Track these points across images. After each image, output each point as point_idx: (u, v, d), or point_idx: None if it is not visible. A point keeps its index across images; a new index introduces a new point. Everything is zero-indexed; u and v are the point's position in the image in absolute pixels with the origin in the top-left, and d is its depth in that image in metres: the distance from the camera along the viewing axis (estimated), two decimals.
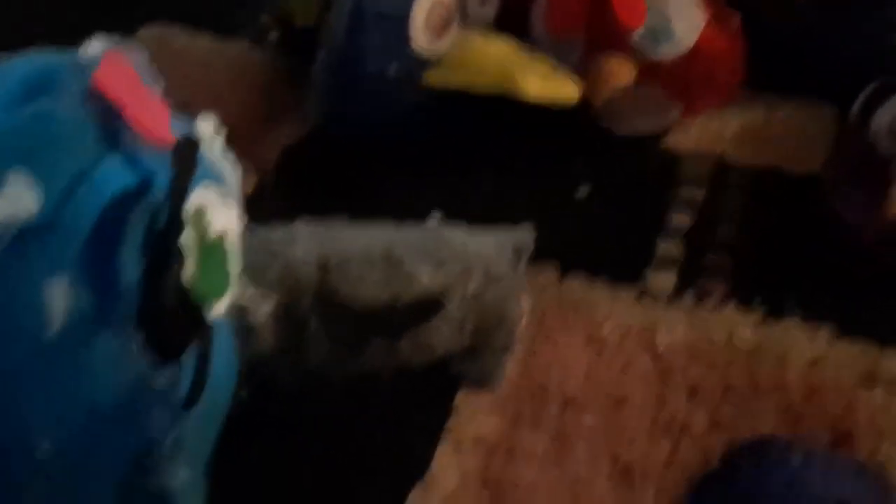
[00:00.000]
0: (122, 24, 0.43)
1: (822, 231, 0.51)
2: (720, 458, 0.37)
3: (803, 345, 0.46)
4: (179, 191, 0.32)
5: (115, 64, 0.32)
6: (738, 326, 0.47)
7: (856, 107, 0.48)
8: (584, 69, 0.56)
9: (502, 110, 0.55)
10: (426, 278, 0.40)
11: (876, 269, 0.47)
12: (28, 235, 0.28)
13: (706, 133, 0.60)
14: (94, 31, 0.34)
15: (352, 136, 0.55)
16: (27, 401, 0.29)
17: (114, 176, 0.30)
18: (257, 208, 0.45)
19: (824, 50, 0.57)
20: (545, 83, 0.53)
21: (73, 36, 0.34)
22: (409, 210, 0.46)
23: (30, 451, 0.29)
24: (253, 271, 0.38)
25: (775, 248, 0.52)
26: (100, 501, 0.32)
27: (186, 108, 0.36)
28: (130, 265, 0.30)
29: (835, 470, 0.34)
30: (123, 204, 0.30)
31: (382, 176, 0.54)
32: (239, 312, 0.37)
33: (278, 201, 0.48)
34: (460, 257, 0.41)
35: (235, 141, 0.37)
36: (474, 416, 0.44)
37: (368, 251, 0.40)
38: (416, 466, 0.41)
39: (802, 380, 0.44)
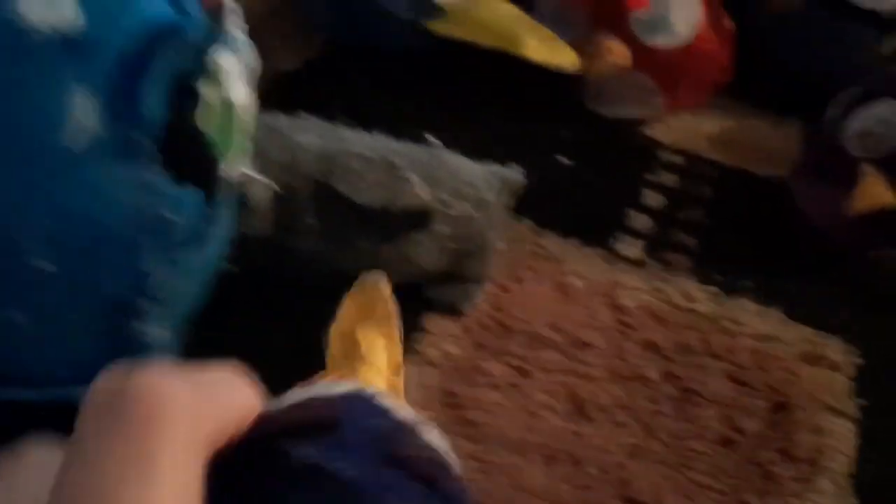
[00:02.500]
0: None
1: (783, 225, 0.54)
2: None
3: (755, 321, 0.49)
4: (210, 42, 0.33)
5: None
6: (697, 297, 0.50)
7: (829, 111, 0.52)
8: (582, 45, 0.58)
9: (500, 70, 0.57)
10: (419, 190, 0.41)
11: (834, 261, 0.51)
12: (64, 44, 0.29)
13: (683, 130, 0.63)
14: None
15: (350, 69, 0.56)
16: (32, 207, 0.29)
17: (155, 6, 0.31)
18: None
19: (802, 67, 0.61)
20: (546, 46, 0.55)
21: None
22: (400, 134, 0.47)
23: (27, 257, 0.30)
24: (258, 151, 0.39)
25: (738, 234, 0.55)
26: (82, 334, 0.33)
27: None
28: (154, 98, 0.31)
29: None
30: (156, 34, 0.31)
31: (380, 102, 0.56)
32: (241, 188, 0.38)
33: (275, 109, 0.49)
34: (454, 178, 0.43)
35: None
36: (441, 339, 0.45)
37: (370, 153, 0.41)
38: None
39: (751, 349, 0.47)
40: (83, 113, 0.29)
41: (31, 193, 0.30)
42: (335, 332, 0.37)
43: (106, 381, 0.20)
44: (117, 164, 0.30)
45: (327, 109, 0.51)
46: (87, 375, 0.34)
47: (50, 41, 0.28)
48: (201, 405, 0.20)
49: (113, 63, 0.29)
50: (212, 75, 0.33)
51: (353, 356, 0.36)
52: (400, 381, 0.37)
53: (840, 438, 0.43)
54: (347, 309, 0.38)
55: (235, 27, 0.36)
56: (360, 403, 0.27)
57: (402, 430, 0.25)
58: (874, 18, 0.59)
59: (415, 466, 0.24)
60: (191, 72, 0.32)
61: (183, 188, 0.31)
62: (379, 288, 0.38)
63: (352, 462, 0.23)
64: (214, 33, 0.33)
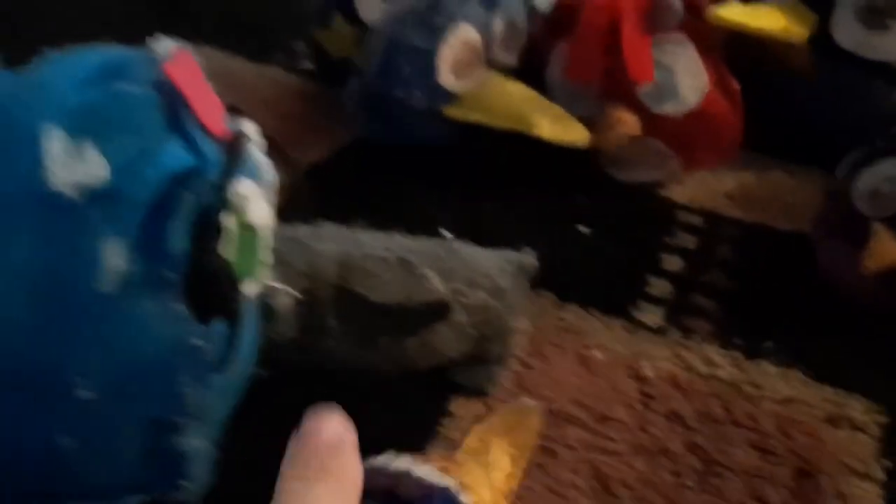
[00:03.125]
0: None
1: (804, 283, 0.55)
2: None
3: (777, 384, 0.49)
4: (228, 177, 0.35)
5: (183, 59, 0.36)
6: (719, 362, 0.51)
7: (840, 170, 0.53)
8: (593, 118, 0.60)
9: (517, 147, 0.60)
10: (437, 284, 0.43)
11: (856, 319, 0.51)
12: (96, 199, 0.32)
13: (702, 188, 0.65)
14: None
15: (378, 158, 0.59)
16: (73, 346, 0.32)
17: (175, 156, 0.34)
18: (286, 213, 0.49)
19: (816, 119, 0.62)
20: (557, 124, 0.57)
21: None
22: (421, 227, 0.49)
23: (72, 389, 0.32)
24: (280, 261, 0.42)
25: (759, 295, 0.56)
26: (127, 451, 0.35)
27: (230, 111, 0.40)
28: (179, 236, 0.34)
29: None
30: (180, 181, 0.34)
31: (402, 195, 0.58)
32: (265, 298, 0.41)
33: (305, 211, 0.52)
34: (469, 268, 0.45)
35: (270, 153, 0.41)
36: (467, 422, 0.47)
37: (386, 254, 0.43)
38: None
39: (774, 415, 0.48)
40: (115, 258, 0.32)
41: (72, 333, 0.33)
42: (476, 430, 0.40)
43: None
44: (148, 299, 0.33)
45: (352, 199, 0.54)
46: (132, 486, 0.37)
47: (81, 197, 0.32)
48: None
49: (140, 212, 0.32)
50: (232, 205, 0.36)
51: (478, 459, 0.39)
52: (503, 502, 0.39)
53: (866, 503, 0.43)
54: (496, 418, 0.41)
55: (252, 149, 0.39)
56: (445, 497, 0.32)
57: None
58: (886, 71, 0.60)
59: None
60: (212, 205, 0.35)
61: (209, 319, 0.34)
62: (531, 418, 0.41)
63: None
64: (232, 167, 0.36)
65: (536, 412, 0.41)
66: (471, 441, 0.39)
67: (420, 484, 0.34)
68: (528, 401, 0.42)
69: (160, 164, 0.33)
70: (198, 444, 0.37)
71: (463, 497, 0.34)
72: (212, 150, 0.36)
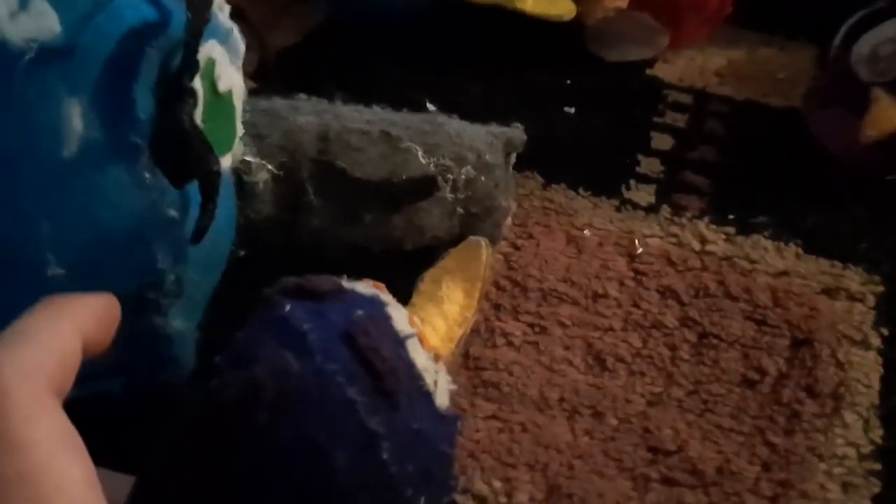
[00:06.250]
0: None
1: (796, 157, 0.53)
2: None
3: (772, 257, 0.48)
4: (195, 34, 0.32)
5: None
6: (711, 237, 0.49)
7: (838, 37, 0.51)
8: None
9: (499, 25, 0.57)
10: (422, 159, 0.41)
11: (851, 189, 0.50)
12: (49, 55, 0.29)
13: (691, 66, 0.62)
14: None
15: (354, 33, 0.56)
16: (39, 216, 0.30)
17: (133, 7, 0.31)
18: (258, 86, 0.46)
19: None
20: None
21: None
22: (404, 102, 0.47)
23: (40, 267, 0.30)
24: (255, 135, 0.39)
25: (751, 170, 0.54)
26: None
27: None
28: (144, 99, 0.31)
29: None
30: (141, 36, 0.31)
31: (380, 71, 0.56)
32: (240, 173, 0.38)
33: (277, 85, 0.49)
34: (455, 143, 0.42)
35: (236, 19, 0.38)
36: None
37: (368, 127, 0.41)
38: None
39: (769, 287, 0.47)
40: (75, 120, 0.29)
41: (35, 204, 0.30)
42: (428, 275, 0.39)
43: None
44: (116, 166, 0.31)
45: (327, 83, 0.51)
46: (114, 368, 0.36)
47: (36, 55, 0.29)
48: (22, 364, 0.23)
49: (99, 68, 0.30)
50: (200, 67, 0.33)
51: (432, 296, 0.39)
52: (459, 332, 0.39)
53: (863, 370, 0.43)
54: (446, 260, 0.40)
55: (221, 12, 0.36)
56: (367, 301, 0.31)
57: (381, 330, 0.29)
58: None
59: (371, 357, 0.27)
60: (179, 67, 0.32)
61: (183, 184, 0.31)
62: (479, 251, 0.40)
63: (317, 325, 0.29)
64: (197, 25, 0.33)
65: (484, 245, 0.40)
66: (424, 285, 0.39)
67: (334, 281, 0.32)
68: (474, 237, 0.41)
69: (118, 16, 0.30)
70: (179, 325, 0.36)
71: (391, 309, 0.32)
72: (175, 5, 0.32)
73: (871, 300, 0.46)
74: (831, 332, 0.45)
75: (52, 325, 0.25)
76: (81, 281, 0.32)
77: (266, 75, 0.54)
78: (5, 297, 0.32)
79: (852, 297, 0.47)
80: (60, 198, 0.30)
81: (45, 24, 0.29)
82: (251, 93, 0.39)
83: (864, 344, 0.44)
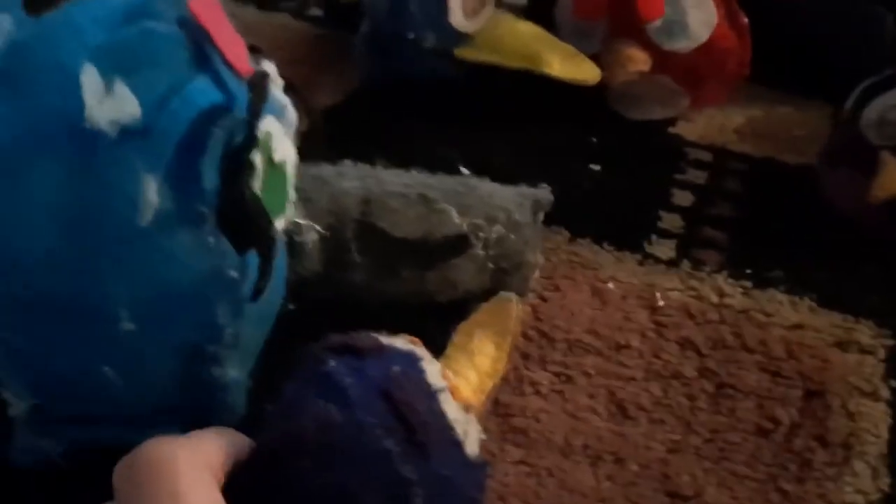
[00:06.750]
0: None
1: (811, 213, 0.56)
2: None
3: (786, 311, 0.51)
4: (255, 113, 0.36)
5: None
6: (729, 291, 0.52)
7: (849, 102, 0.54)
8: (602, 55, 0.61)
9: (527, 86, 0.60)
10: (455, 218, 0.44)
11: (862, 246, 0.52)
12: (129, 135, 0.33)
13: (711, 124, 0.66)
14: None
15: (392, 93, 0.60)
16: (115, 277, 0.34)
17: (203, 92, 0.35)
18: (306, 155, 0.50)
19: (822, 50, 0.62)
20: (567, 63, 0.58)
21: None
22: (435, 166, 0.50)
23: (114, 322, 0.34)
24: (305, 199, 0.43)
25: (767, 226, 0.57)
26: (165, 379, 0.37)
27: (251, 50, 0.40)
28: (210, 172, 0.35)
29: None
30: (209, 117, 0.35)
31: (415, 130, 0.59)
32: (291, 234, 0.42)
33: (322, 153, 0.53)
34: (486, 203, 0.46)
35: (289, 94, 0.42)
36: None
37: (406, 190, 0.44)
38: None
39: (783, 340, 0.49)
40: (150, 193, 0.33)
41: (111, 266, 0.34)
42: (461, 328, 0.42)
43: (121, 463, 0.29)
44: (184, 232, 0.34)
45: (367, 141, 0.55)
46: (170, 413, 0.39)
47: (118, 136, 0.33)
48: (196, 449, 0.30)
49: (172, 147, 0.33)
50: (259, 142, 0.37)
51: (464, 348, 0.41)
52: (489, 383, 0.41)
53: (873, 421, 0.45)
54: (478, 314, 0.42)
55: (275, 88, 0.40)
56: (404, 356, 0.34)
57: (415, 385, 0.32)
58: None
59: (405, 411, 0.31)
60: (241, 143, 0.36)
61: (244, 250, 0.35)
62: (509, 306, 0.42)
63: (358, 381, 0.33)
64: (258, 104, 0.37)
65: (514, 300, 0.42)
66: (457, 338, 0.41)
67: (374, 339, 0.36)
68: (504, 293, 0.43)
69: (190, 100, 0.34)
70: (233, 373, 0.39)
71: (426, 364, 0.35)
72: (238, 87, 0.36)
73: (881, 353, 0.49)
74: (842, 383, 0.47)
75: (224, 434, 0.32)
76: (150, 334, 0.35)
77: (314, 136, 0.58)
78: (82, 349, 0.36)
79: (863, 350, 0.49)
80: (134, 260, 0.34)
81: (127, 108, 0.33)
82: (301, 157, 0.43)
83: (874, 395, 0.46)
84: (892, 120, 0.50)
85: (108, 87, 0.33)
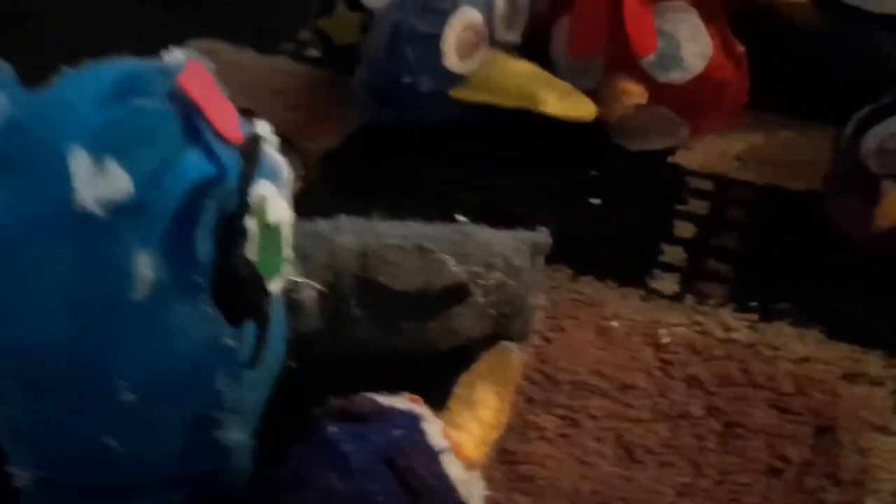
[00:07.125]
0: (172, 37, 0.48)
1: (817, 241, 0.56)
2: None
3: (794, 344, 0.50)
4: (247, 181, 0.37)
5: (195, 69, 0.37)
6: (735, 326, 0.52)
7: (848, 129, 0.53)
8: (599, 89, 0.61)
9: (526, 122, 0.60)
10: (454, 268, 0.44)
11: (870, 274, 0.52)
12: (123, 213, 0.33)
13: (712, 152, 0.65)
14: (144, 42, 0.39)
15: (391, 134, 0.61)
16: (112, 348, 0.34)
17: (194, 166, 0.35)
18: (303, 205, 0.51)
19: (823, 74, 0.62)
20: (563, 100, 0.58)
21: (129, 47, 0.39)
22: (435, 206, 0.51)
23: (111, 392, 0.34)
24: (302, 256, 0.43)
25: (772, 256, 0.56)
26: (170, 446, 0.37)
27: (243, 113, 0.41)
28: (203, 242, 0.35)
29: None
30: (201, 190, 0.35)
31: (415, 169, 0.60)
32: (289, 292, 0.42)
33: (322, 198, 0.53)
34: (484, 251, 0.46)
35: (283, 148, 0.42)
36: None
37: (403, 242, 0.44)
38: None
39: (791, 374, 0.49)
40: (145, 268, 0.34)
41: (110, 340, 0.34)
42: (462, 380, 0.42)
43: None
44: (180, 304, 0.35)
45: (366, 183, 0.56)
46: (177, 480, 0.39)
47: (109, 212, 0.33)
48: None
49: (165, 222, 0.34)
50: (253, 207, 0.37)
51: (466, 401, 0.41)
52: (493, 434, 0.41)
53: (884, 456, 0.45)
54: (479, 365, 0.43)
55: (269, 148, 0.41)
56: (405, 418, 0.34)
57: (418, 448, 0.33)
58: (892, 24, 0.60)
59: (408, 476, 0.31)
60: (234, 211, 0.36)
61: (240, 320, 0.35)
62: (510, 356, 0.43)
63: (359, 447, 0.32)
64: (249, 170, 0.37)
65: (515, 350, 0.43)
66: (459, 390, 0.41)
67: (374, 402, 0.36)
68: (505, 343, 0.43)
69: (181, 174, 0.34)
70: (236, 436, 0.39)
71: (427, 424, 0.36)
72: (229, 157, 0.37)
73: (891, 384, 0.48)
74: (853, 418, 0.46)
75: None
76: (148, 403, 0.36)
77: (311, 183, 0.58)
78: (85, 422, 0.36)
79: (873, 382, 0.48)
80: (133, 334, 0.34)
81: (118, 185, 0.33)
82: (298, 211, 0.43)
83: (885, 429, 0.46)
84: (891, 149, 0.50)
85: (101, 166, 0.33)
